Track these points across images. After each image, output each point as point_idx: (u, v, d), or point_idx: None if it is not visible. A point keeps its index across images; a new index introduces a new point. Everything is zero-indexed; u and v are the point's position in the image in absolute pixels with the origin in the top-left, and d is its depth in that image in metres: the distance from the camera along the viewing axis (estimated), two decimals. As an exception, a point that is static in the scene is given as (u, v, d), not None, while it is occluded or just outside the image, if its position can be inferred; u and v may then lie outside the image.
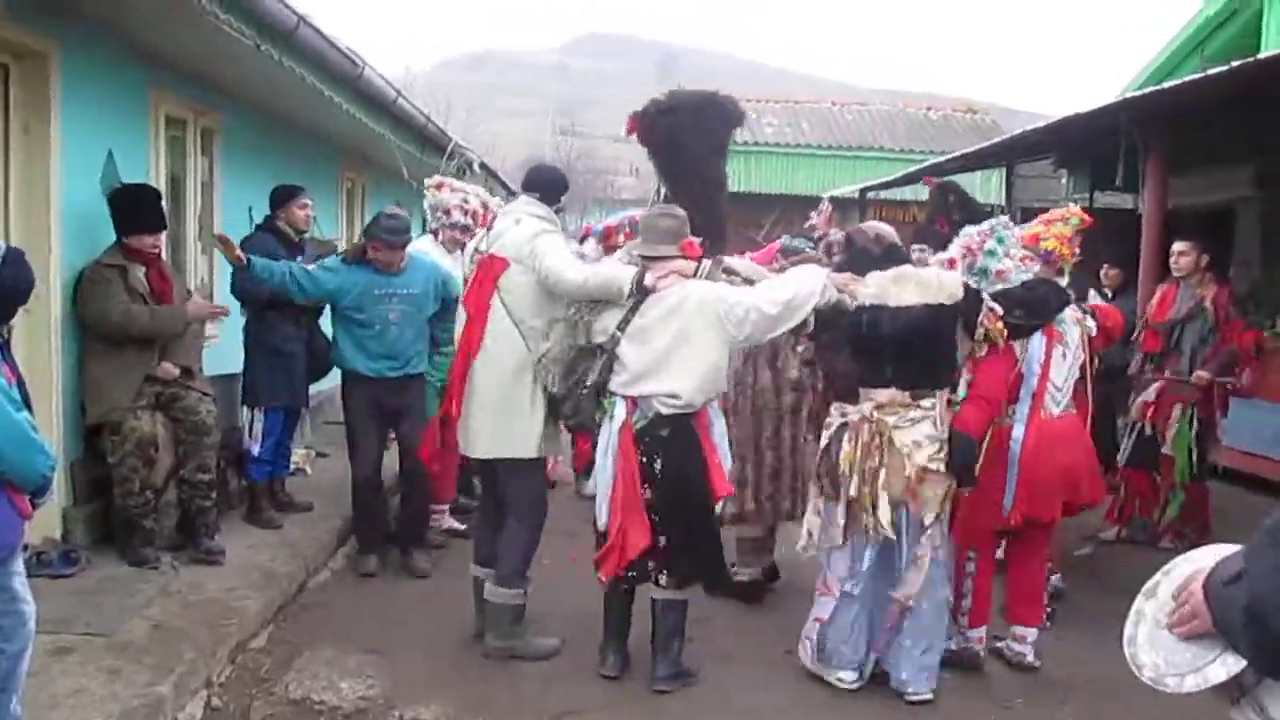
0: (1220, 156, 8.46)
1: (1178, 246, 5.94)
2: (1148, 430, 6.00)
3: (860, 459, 3.93)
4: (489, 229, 4.43)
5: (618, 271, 4.04)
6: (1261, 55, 5.08)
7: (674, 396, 3.85)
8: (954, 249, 4.42)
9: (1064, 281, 5.04)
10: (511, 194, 15.03)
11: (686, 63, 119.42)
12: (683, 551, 3.94)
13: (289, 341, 5.73)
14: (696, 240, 4.03)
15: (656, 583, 4.00)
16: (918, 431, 3.90)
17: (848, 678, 4.07)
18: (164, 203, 5.16)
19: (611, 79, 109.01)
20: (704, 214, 4.20)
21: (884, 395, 3.95)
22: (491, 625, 4.35)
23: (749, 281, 4.11)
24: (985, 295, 4.10)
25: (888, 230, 4.35)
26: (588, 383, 3.98)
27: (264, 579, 4.78)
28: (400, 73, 32.96)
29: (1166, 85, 5.76)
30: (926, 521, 3.91)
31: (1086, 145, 8.59)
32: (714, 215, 4.32)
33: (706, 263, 4.03)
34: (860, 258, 4.20)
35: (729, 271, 4.13)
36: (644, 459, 3.90)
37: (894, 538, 3.92)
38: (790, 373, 5.03)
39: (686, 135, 4.15)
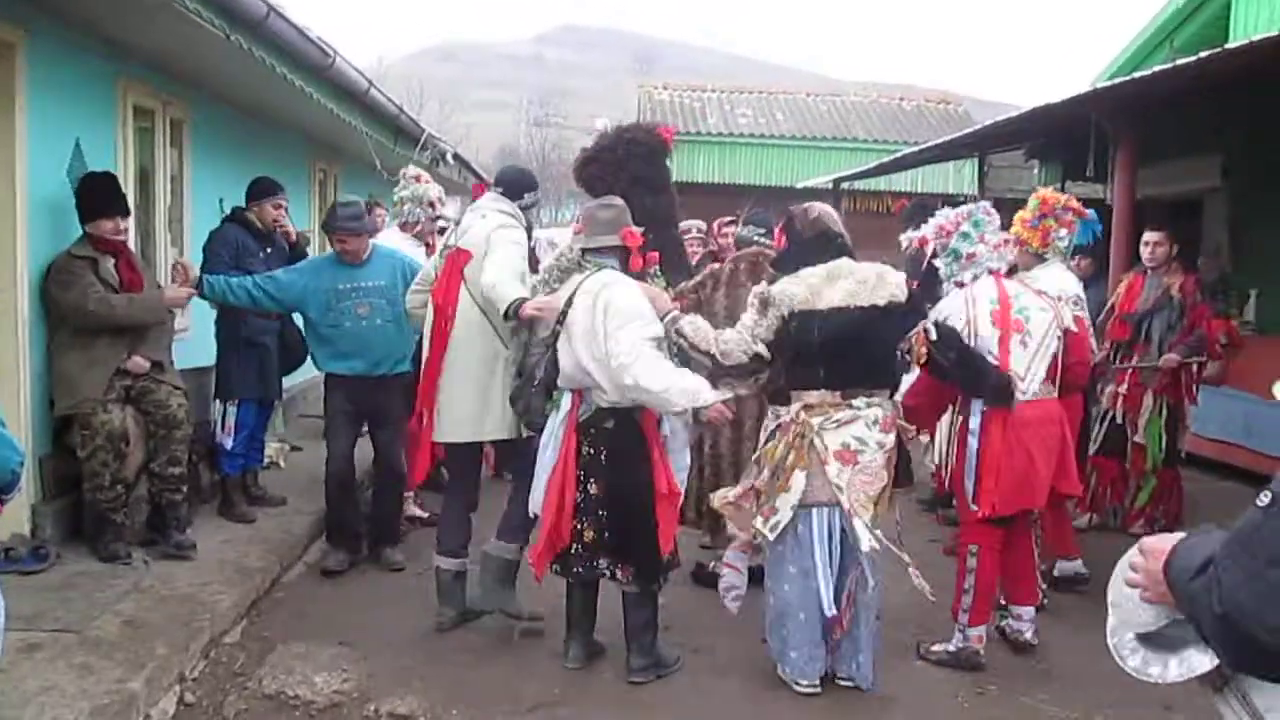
0: (1189, 147, 8.55)
1: (1151, 237, 5.96)
2: (1118, 419, 6.06)
3: (780, 456, 3.83)
4: (457, 224, 4.60)
5: (508, 291, 4.06)
6: (1229, 45, 5.12)
7: (604, 392, 3.84)
8: (928, 227, 4.46)
9: (1054, 269, 5.06)
10: (486, 186, 15.03)
11: (664, 55, 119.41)
12: (622, 544, 3.92)
13: (261, 334, 5.71)
14: (634, 228, 3.96)
15: (614, 577, 3.98)
16: (845, 433, 3.77)
17: (803, 685, 3.94)
18: (132, 194, 5.12)
19: (587, 70, 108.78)
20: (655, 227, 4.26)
21: (813, 396, 3.84)
22: (484, 573, 4.41)
23: (694, 348, 3.94)
24: (929, 320, 4.03)
25: (827, 214, 4.12)
26: (535, 380, 3.97)
27: (237, 573, 4.75)
28: (373, 63, 32.81)
29: (1136, 76, 5.81)
30: (861, 521, 3.73)
31: (1057, 136, 8.66)
32: (656, 240, 4.30)
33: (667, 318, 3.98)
34: (794, 241, 4.07)
35: (679, 334, 3.96)
36: (589, 450, 3.90)
37: (769, 539, 3.85)
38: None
39: (609, 177, 4.30)
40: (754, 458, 4.10)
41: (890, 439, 3.86)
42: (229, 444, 5.62)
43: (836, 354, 3.80)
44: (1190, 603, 1.41)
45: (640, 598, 4.02)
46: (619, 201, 4.03)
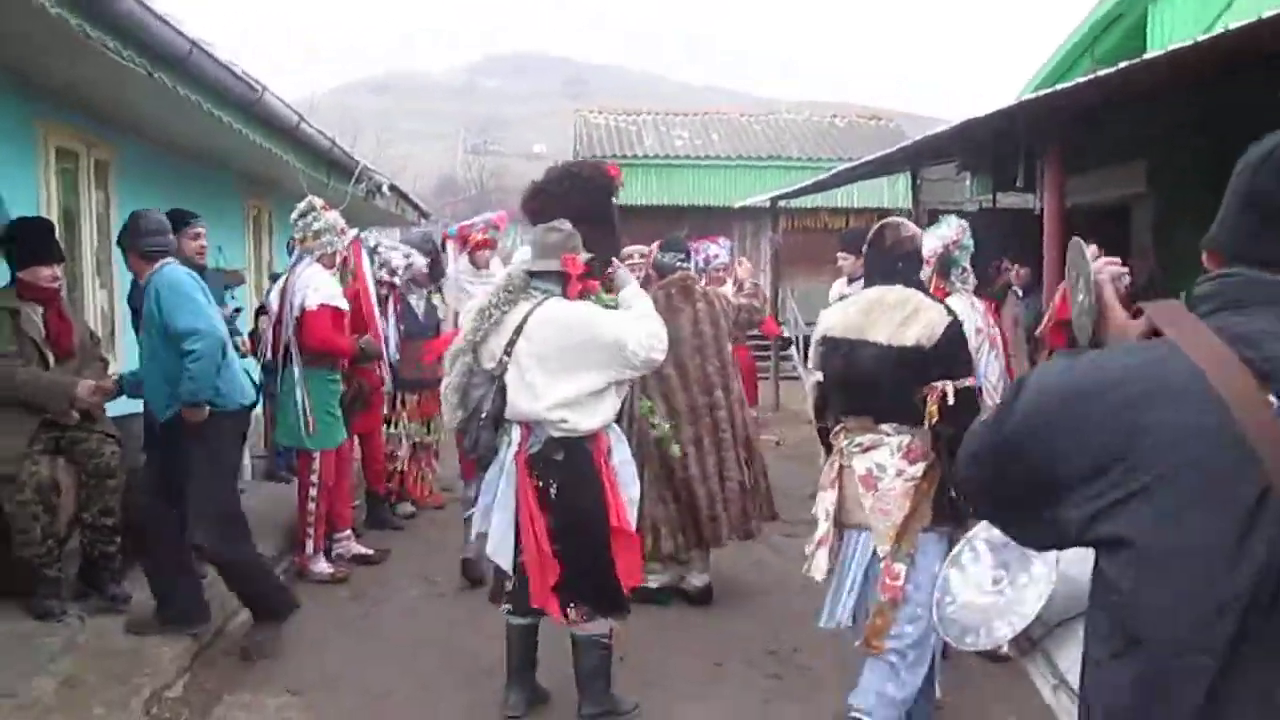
0: (1114, 155, 8.75)
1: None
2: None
3: (826, 484, 3.74)
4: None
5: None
6: (1147, 55, 5.25)
7: (562, 421, 3.71)
8: (933, 243, 4.41)
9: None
10: (424, 215, 14.90)
11: (597, 79, 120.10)
12: (577, 581, 3.75)
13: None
14: (577, 254, 3.87)
15: (566, 617, 3.79)
16: (869, 459, 3.61)
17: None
18: (58, 238, 4.96)
19: (521, 97, 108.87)
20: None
21: (851, 422, 3.70)
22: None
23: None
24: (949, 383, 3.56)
25: (909, 237, 3.77)
26: (483, 413, 3.81)
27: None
28: (305, 97, 32.53)
29: (1059, 88, 5.92)
30: (880, 553, 3.52)
31: (987, 148, 8.80)
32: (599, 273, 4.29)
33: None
34: (871, 258, 3.77)
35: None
36: (539, 484, 3.74)
37: (819, 576, 3.69)
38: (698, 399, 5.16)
39: (553, 209, 4.25)
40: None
41: (916, 469, 3.57)
42: None
43: (862, 385, 3.62)
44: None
45: (593, 641, 3.84)
46: (567, 226, 3.93)
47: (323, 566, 5.73)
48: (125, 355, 6.67)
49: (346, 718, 3.98)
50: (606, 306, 3.93)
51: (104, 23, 4.09)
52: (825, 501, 3.73)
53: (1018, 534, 1.55)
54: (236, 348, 5.54)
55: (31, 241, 4.60)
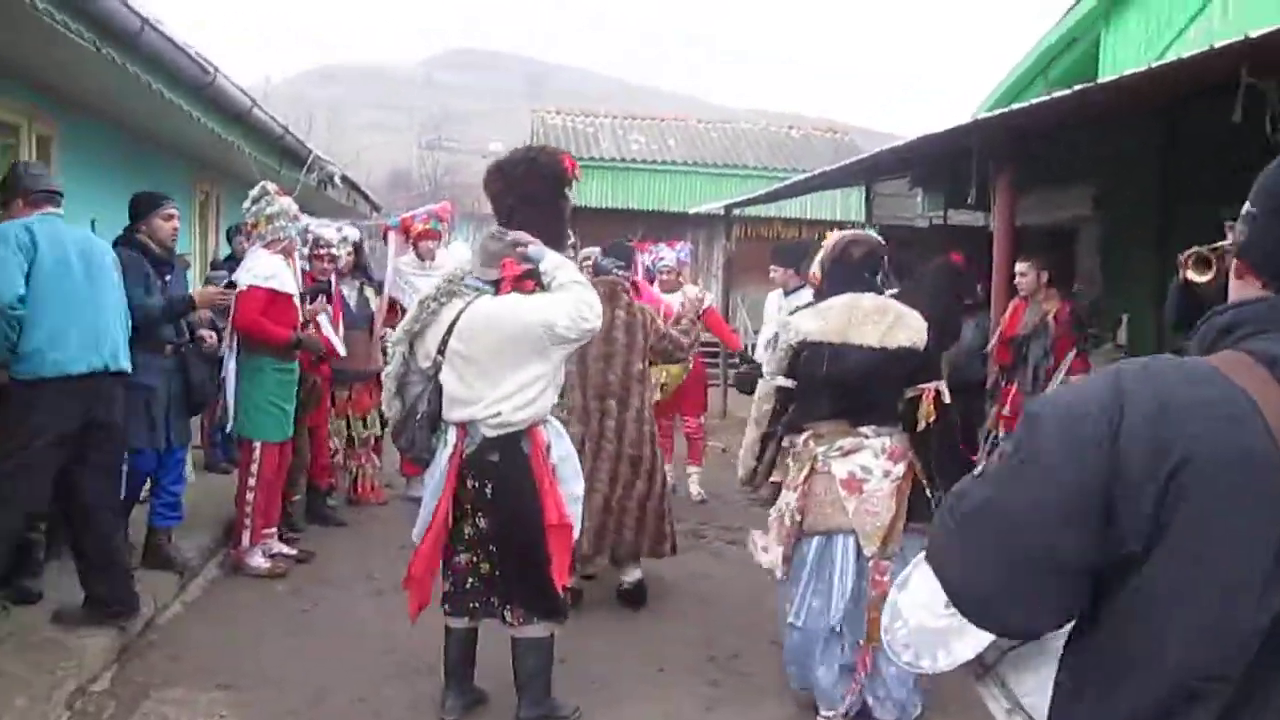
0: (1064, 177, 8.90)
1: (1019, 267, 6.26)
2: (999, 439, 6.25)
3: (804, 487, 3.79)
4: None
5: None
6: (1100, 81, 5.34)
7: (495, 416, 3.64)
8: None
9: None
10: (375, 208, 14.74)
11: (555, 80, 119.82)
12: (514, 584, 3.73)
13: (148, 374, 4.93)
14: (520, 261, 3.81)
15: (504, 619, 3.78)
16: (852, 462, 3.71)
17: (824, 712, 3.87)
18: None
19: (478, 94, 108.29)
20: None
21: (824, 427, 3.80)
22: None
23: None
24: (941, 383, 3.88)
25: (877, 247, 4.03)
26: (419, 413, 3.77)
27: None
28: (259, 82, 32.04)
29: (1013, 108, 6.00)
30: (866, 553, 3.69)
31: (940, 165, 8.91)
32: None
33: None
34: (836, 267, 3.93)
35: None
36: (474, 484, 3.68)
37: (780, 573, 3.81)
38: (630, 411, 5.12)
39: (505, 190, 4.28)
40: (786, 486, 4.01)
41: (899, 469, 3.75)
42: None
43: (844, 389, 3.72)
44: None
45: (532, 643, 3.79)
46: (508, 235, 3.90)
47: (259, 560, 5.59)
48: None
49: (282, 714, 3.90)
50: None
51: (52, -6, 3.98)
52: (788, 500, 3.74)
53: (1041, 616, 1.32)
54: (191, 338, 5.37)
55: None
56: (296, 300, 5.69)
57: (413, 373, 3.81)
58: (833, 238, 4.11)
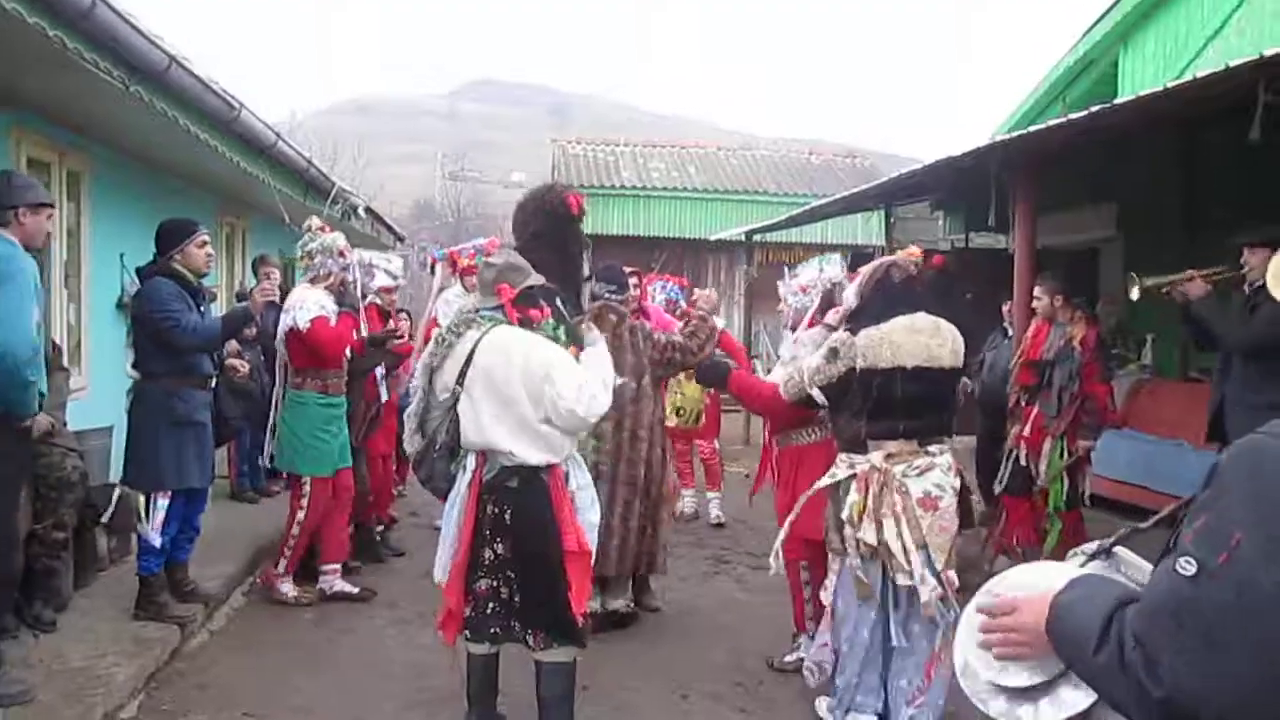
0: (1085, 198, 8.88)
1: (1035, 290, 6.23)
2: (1023, 460, 6.20)
3: (874, 508, 3.81)
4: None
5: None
6: (1118, 100, 5.34)
7: (509, 454, 3.66)
8: (812, 277, 4.65)
9: None
10: (399, 239, 14.89)
11: (578, 110, 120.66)
12: (532, 609, 3.72)
13: (198, 410, 4.96)
14: (515, 286, 3.83)
15: (527, 644, 3.77)
16: (927, 481, 3.80)
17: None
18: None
19: (501, 125, 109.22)
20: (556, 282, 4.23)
21: (893, 446, 3.85)
22: None
23: None
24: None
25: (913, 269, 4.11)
26: (438, 443, 3.78)
27: (135, 644, 4.53)
28: (286, 117, 32.44)
29: (1033, 129, 6.01)
30: (938, 566, 3.77)
31: (960, 188, 8.91)
32: (562, 284, 4.31)
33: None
34: (881, 291, 3.99)
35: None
36: (494, 510, 3.69)
37: (913, 582, 3.80)
38: (640, 431, 5.17)
39: (519, 228, 4.65)
40: (827, 523, 4.04)
41: (959, 481, 3.91)
42: (156, 540, 4.89)
43: (916, 410, 3.85)
44: (1101, 678, 1.28)
45: (556, 668, 3.78)
46: (498, 260, 3.96)
47: (288, 589, 5.60)
48: (90, 367, 6.59)
49: (304, 742, 3.92)
50: (550, 337, 3.86)
51: (82, 33, 4.08)
52: (869, 531, 3.79)
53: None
54: (221, 368, 5.43)
55: None
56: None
57: (433, 407, 3.83)
58: (868, 265, 4.16)
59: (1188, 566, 1.15)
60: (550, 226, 4.63)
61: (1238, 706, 1.12)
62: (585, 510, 3.82)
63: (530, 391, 3.63)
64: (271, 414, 5.71)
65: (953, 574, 3.82)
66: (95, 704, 3.89)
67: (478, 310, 3.88)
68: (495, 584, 3.75)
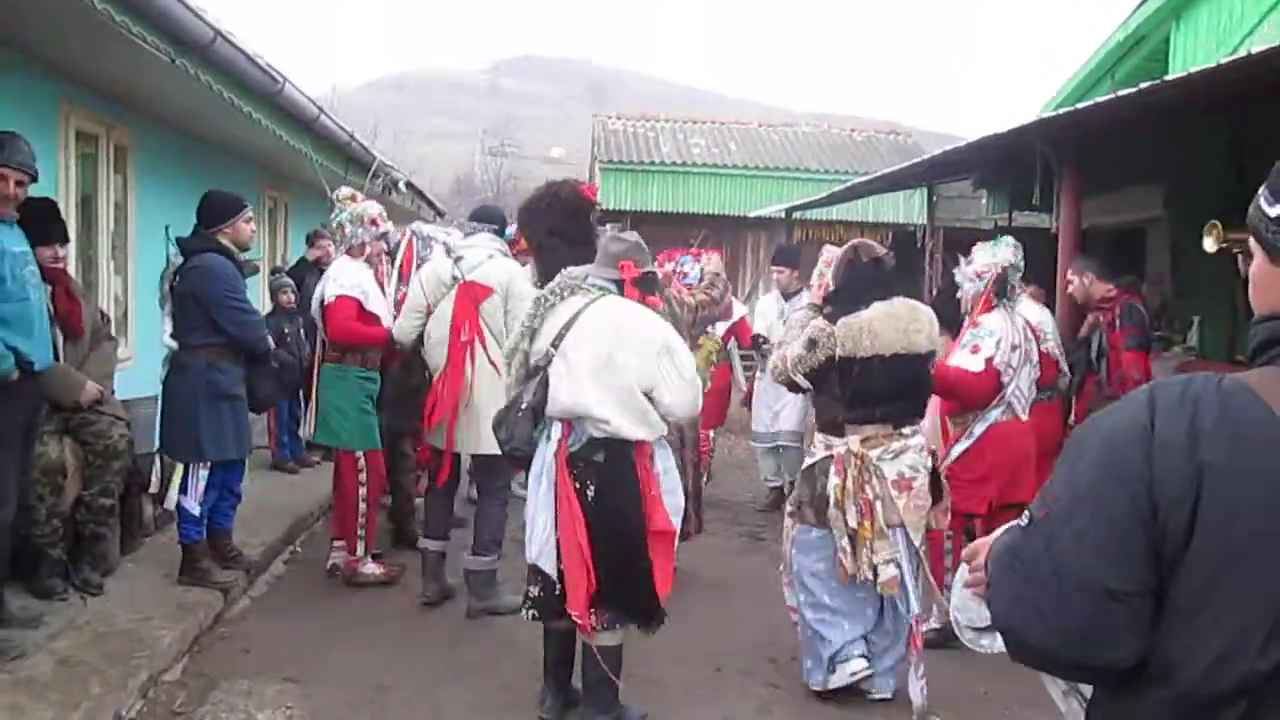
0: (1132, 177, 8.72)
1: (1069, 273, 6.00)
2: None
3: (854, 491, 3.98)
4: (454, 257, 5.06)
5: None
6: (1168, 77, 5.23)
7: (604, 422, 3.60)
8: (987, 261, 4.77)
9: None
10: (439, 214, 14.95)
11: (617, 85, 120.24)
12: (614, 589, 3.62)
13: (236, 384, 5.03)
14: (640, 267, 3.83)
15: (579, 625, 3.70)
16: (901, 463, 3.99)
17: (859, 666, 4.10)
18: (74, 221, 4.99)
19: (542, 100, 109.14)
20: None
21: (870, 430, 4.03)
22: (472, 590, 5.00)
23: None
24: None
25: (886, 253, 4.30)
26: (522, 404, 3.68)
27: (178, 609, 4.63)
28: (327, 92, 32.67)
29: (1079, 107, 5.90)
30: (915, 542, 4.03)
31: (1004, 166, 8.79)
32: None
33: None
34: (855, 276, 4.18)
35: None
36: (577, 485, 3.60)
37: (895, 588, 3.99)
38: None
39: (533, 224, 4.80)
40: (797, 497, 4.26)
41: (930, 460, 4.12)
42: (195, 510, 4.95)
43: (892, 395, 4.03)
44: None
45: (605, 650, 3.70)
46: (632, 237, 3.96)
47: (372, 568, 5.45)
48: (136, 338, 6.71)
49: (345, 708, 3.98)
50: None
51: (129, 7, 4.12)
52: (851, 515, 4.00)
53: (1108, 650, 1.29)
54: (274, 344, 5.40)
55: (31, 222, 4.36)
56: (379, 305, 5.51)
57: (528, 368, 3.78)
58: (840, 249, 4.40)
59: (1024, 519, 1.37)
60: (566, 221, 4.70)
61: (1044, 638, 1.31)
62: (672, 492, 3.79)
63: (642, 360, 3.61)
64: (308, 385, 5.61)
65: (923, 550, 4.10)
66: (140, 666, 3.99)
67: (585, 278, 3.82)
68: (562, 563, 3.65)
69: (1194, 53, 8.28)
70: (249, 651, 4.54)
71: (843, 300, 4.11)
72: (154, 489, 5.23)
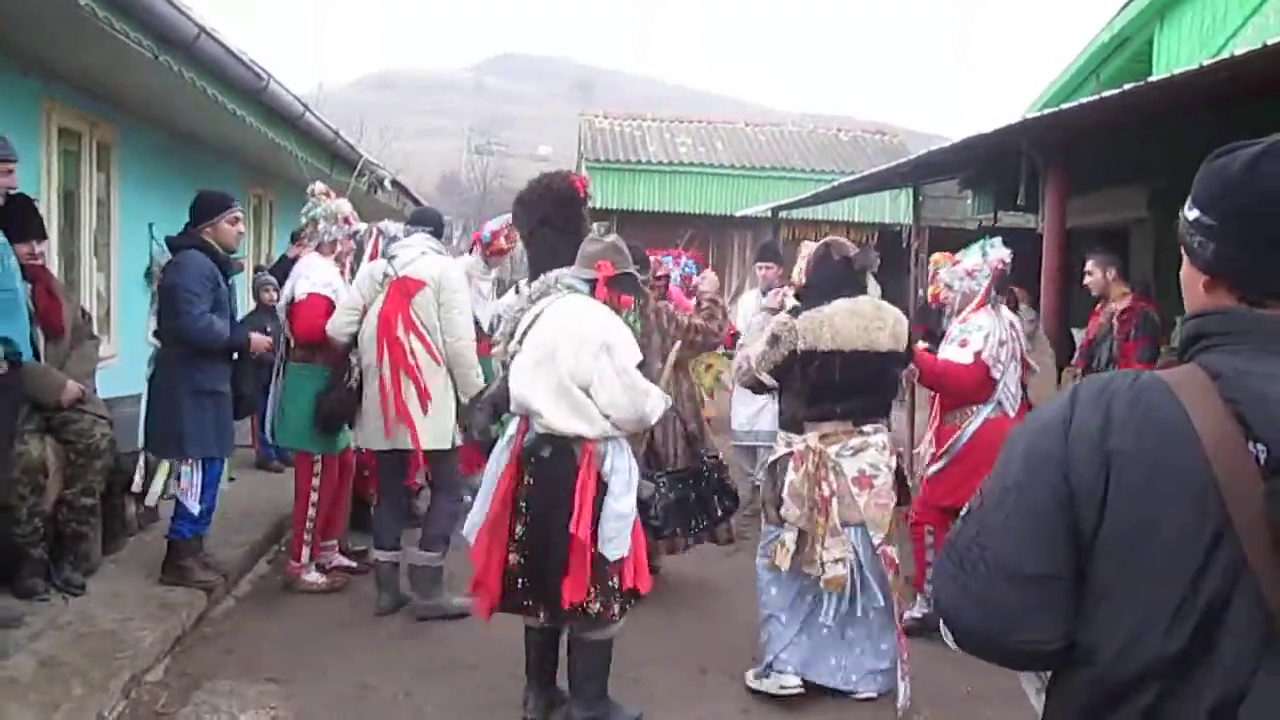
0: (1116, 178, 8.76)
1: (1088, 264, 6.03)
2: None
3: (809, 489, 3.98)
4: (388, 256, 5.10)
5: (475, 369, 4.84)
6: (1152, 79, 5.26)
7: (539, 415, 3.63)
8: (977, 261, 4.84)
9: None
10: (425, 212, 14.91)
11: (604, 84, 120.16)
12: (538, 581, 3.64)
13: (219, 381, 5.02)
14: (617, 267, 3.84)
15: (541, 618, 3.75)
16: (861, 460, 4.00)
17: (790, 682, 4.11)
18: (56, 218, 4.95)
19: (528, 98, 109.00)
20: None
21: (828, 426, 4.04)
22: (416, 587, 5.00)
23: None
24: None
25: (859, 252, 4.31)
26: (484, 395, 3.90)
27: (160, 608, 4.60)
28: (313, 90, 32.51)
29: (1064, 107, 5.92)
30: (875, 541, 4.01)
31: (990, 166, 8.81)
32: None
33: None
34: (824, 273, 4.21)
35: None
36: (529, 479, 3.67)
37: (838, 587, 3.98)
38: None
39: (525, 215, 4.86)
40: (763, 495, 4.28)
41: (895, 461, 4.12)
42: (195, 509, 4.94)
43: (852, 392, 4.03)
44: None
45: (587, 644, 3.72)
46: (610, 238, 4.05)
47: (315, 577, 5.40)
48: (119, 336, 6.67)
49: (327, 708, 3.97)
50: (627, 325, 3.92)
51: (112, 3, 4.10)
52: (800, 511, 3.99)
53: (1030, 632, 1.34)
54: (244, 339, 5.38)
55: (8, 218, 4.33)
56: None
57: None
58: (814, 245, 4.47)
59: (965, 510, 1.43)
60: (557, 211, 4.74)
61: (977, 623, 1.37)
62: (619, 497, 3.64)
63: (578, 355, 3.62)
64: (272, 384, 5.51)
65: (891, 550, 4.05)
66: (123, 666, 3.96)
67: (558, 280, 3.89)
68: (520, 558, 3.68)
69: (1178, 54, 8.32)
70: (232, 651, 4.52)
71: (812, 296, 4.17)
72: (138, 487, 5.18)
